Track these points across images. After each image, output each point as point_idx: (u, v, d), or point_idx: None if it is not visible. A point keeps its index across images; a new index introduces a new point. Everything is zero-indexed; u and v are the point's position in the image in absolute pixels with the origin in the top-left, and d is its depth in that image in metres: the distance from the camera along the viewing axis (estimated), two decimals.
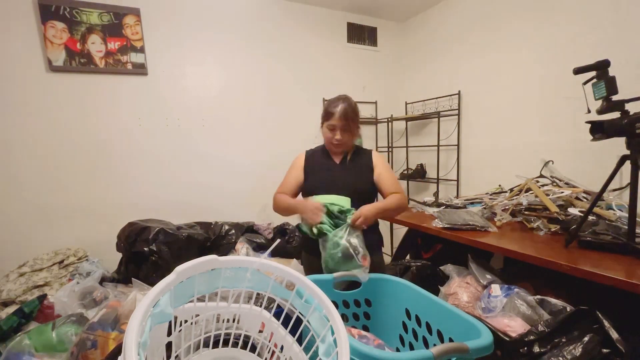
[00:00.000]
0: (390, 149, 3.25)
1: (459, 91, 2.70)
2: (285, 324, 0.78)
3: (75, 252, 2.05)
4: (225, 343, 0.79)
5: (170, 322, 0.65)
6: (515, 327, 1.13)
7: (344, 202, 1.24)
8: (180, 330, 0.69)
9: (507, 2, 2.32)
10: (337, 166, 1.42)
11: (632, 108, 1.18)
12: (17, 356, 1.14)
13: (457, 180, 2.79)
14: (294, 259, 2.12)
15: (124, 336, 0.48)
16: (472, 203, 2.09)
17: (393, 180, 1.39)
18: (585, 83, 1.27)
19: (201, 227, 2.21)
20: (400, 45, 3.32)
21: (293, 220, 2.48)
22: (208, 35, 2.50)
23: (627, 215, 1.23)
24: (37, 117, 2.06)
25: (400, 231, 2.35)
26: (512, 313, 1.20)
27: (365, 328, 1.14)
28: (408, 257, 2.16)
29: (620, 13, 1.75)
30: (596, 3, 1.84)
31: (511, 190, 2.00)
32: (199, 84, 2.51)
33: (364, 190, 1.37)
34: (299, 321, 0.75)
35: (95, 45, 2.16)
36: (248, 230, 2.37)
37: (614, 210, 1.48)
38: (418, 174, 3.04)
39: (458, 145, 2.76)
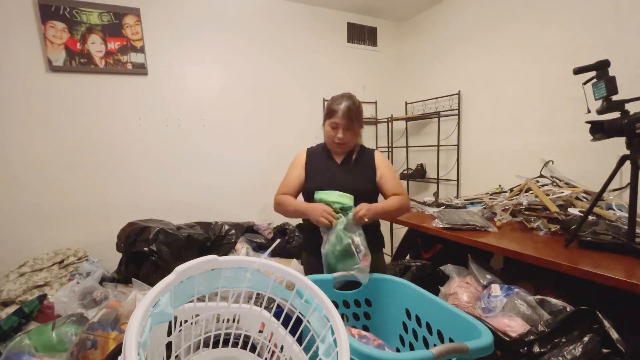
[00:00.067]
0: (390, 149, 3.25)
1: (459, 91, 2.70)
2: (285, 324, 0.78)
3: (75, 252, 2.05)
4: (225, 343, 0.79)
5: (170, 322, 0.65)
6: (515, 327, 1.13)
7: (346, 199, 1.23)
8: (180, 330, 0.69)
9: (507, 2, 2.32)
10: (338, 166, 1.39)
11: (632, 108, 1.18)
12: (17, 356, 1.14)
13: (457, 180, 2.79)
14: (294, 259, 2.12)
15: (124, 336, 0.48)
16: (472, 203, 2.09)
17: (396, 181, 1.37)
18: (585, 83, 1.27)
19: (201, 227, 2.21)
20: (400, 45, 3.32)
21: (293, 220, 2.48)
22: (208, 35, 2.50)
23: (627, 215, 1.23)
24: (37, 117, 2.06)
25: (400, 231, 2.35)
26: (512, 313, 1.20)
27: (365, 328, 1.14)
28: (408, 257, 2.16)
29: (620, 13, 1.75)
30: (596, 3, 1.84)
31: (511, 190, 2.00)
32: (199, 84, 2.51)
33: (365, 191, 1.33)
34: (299, 321, 0.75)
35: (95, 45, 2.16)
36: (248, 230, 2.37)
37: (614, 210, 1.48)
38: (418, 174, 3.04)
39: (458, 145, 2.76)
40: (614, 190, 1.67)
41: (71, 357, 1.05)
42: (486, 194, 2.20)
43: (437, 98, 2.88)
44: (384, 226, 3.00)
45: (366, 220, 1.16)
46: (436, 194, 2.82)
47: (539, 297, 1.25)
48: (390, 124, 3.18)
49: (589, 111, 1.26)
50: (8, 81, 1.98)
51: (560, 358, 0.97)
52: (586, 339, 0.99)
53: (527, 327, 1.12)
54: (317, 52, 2.92)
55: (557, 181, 1.86)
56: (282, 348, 0.78)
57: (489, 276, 1.47)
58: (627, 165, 1.18)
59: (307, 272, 1.44)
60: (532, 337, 1.05)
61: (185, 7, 2.41)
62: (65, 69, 2.09)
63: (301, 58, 2.86)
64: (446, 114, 2.79)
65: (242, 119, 2.67)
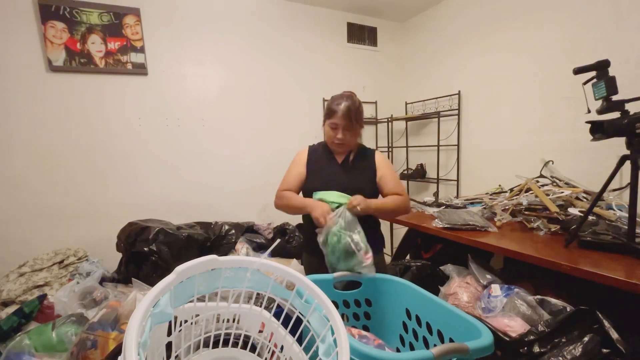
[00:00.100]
0: (390, 149, 3.25)
1: (459, 91, 2.70)
2: (285, 324, 0.78)
3: (75, 252, 2.05)
4: (225, 343, 0.79)
5: (170, 322, 0.65)
6: (515, 327, 1.13)
7: (345, 199, 1.22)
8: (180, 330, 0.69)
9: (507, 2, 2.32)
10: (338, 166, 1.39)
11: (632, 108, 1.18)
12: (17, 356, 1.14)
13: (457, 180, 2.79)
14: (294, 259, 2.12)
15: (124, 336, 0.48)
16: (472, 203, 2.09)
17: (396, 181, 1.37)
18: (585, 83, 1.27)
19: (201, 227, 2.21)
20: (400, 45, 3.32)
21: (293, 220, 2.48)
22: (208, 35, 2.50)
23: (627, 215, 1.23)
24: (37, 117, 2.06)
25: (400, 231, 2.35)
26: (512, 313, 1.20)
27: (365, 328, 1.14)
28: (408, 257, 2.16)
29: (620, 13, 1.75)
30: (596, 3, 1.84)
31: (511, 190, 2.00)
32: (199, 84, 2.51)
33: (365, 191, 1.31)
34: (299, 321, 0.75)
35: (95, 45, 2.16)
36: (248, 230, 2.37)
37: (614, 210, 1.48)
38: (418, 174, 3.04)
39: (458, 145, 2.76)
40: (614, 190, 1.67)
41: (71, 357, 1.05)
42: (486, 194, 2.20)
43: (437, 98, 2.88)
44: (384, 226, 2.99)
45: (359, 209, 1.15)
46: (436, 194, 2.82)
47: (539, 297, 1.25)
48: (390, 124, 3.18)
49: (589, 111, 1.26)
50: (8, 81, 1.99)
51: (560, 358, 0.97)
52: (586, 339, 0.99)
53: (527, 327, 1.12)
54: (317, 52, 2.92)
55: (557, 181, 1.86)
56: (282, 348, 0.78)
57: (489, 276, 1.47)
58: (627, 165, 1.18)
59: (308, 272, 1.44)
60: (532, 337, 1.05)
61: (185, 7, 2.41)
62: (65, 69, 2.09)
63: (301, 58, 2.86)
64: (446, 114, 2.79)
65: (242, 119, 2.67)
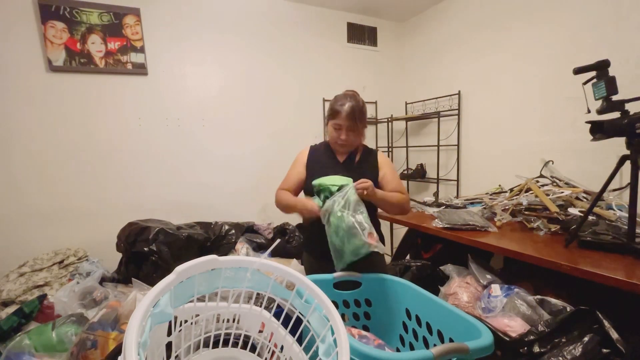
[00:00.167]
0: (390, 149, 3.25)
1: (459, 91, 2.70)
2: (285, 324, 0.78)
3: (75, 252, 2.05)
4: (225, 343, 0.79)
5: (170, 322, 0.65)
6: (515, 327, 1.13)
7: (344, 180, 1.21)
8: (180, 330, 0.69)
9: (507, 2, 2.32)
10: (340, 165, 1.39)
11: (632, 108, 1.18)
12: (17, 356, 1.14)
13: (457, 180, 2.79)
14: (294, 259, 2.12)
15: (124, 336, 0.48)
16: (472, 203, 2.09)
17: (398, 181, 1.37)
18: (585, 83, 1.27)
19: (201, 227, 2.21)
20: (400, 45, 3.32)
21: (293, 220, 2.48)
22: (208, 35, 2.50)
23: (627, 215, 1.23)
24: (37, 117, 2.06)
25: (400, 231, 2.35)
26: (512, 313, 1.20)
27: (365, 328, 1.14)
28: (408, 257, 2.16)
29: (620, 13, 1.75)
30: (596, 3, 1.84)
31: (511, 190, 2.00)
32: (199, 84, 2.51)
33: None
34: (299, 321, 0.75)
35: (95, 45, 2.16)
36: (248, 230, 2.37)
37: (614, 210, 1.48)
38: (418, 174, 3.04)
39: (458, 145, 2.76)
40: (614, 190, 1.67)
41: (71, 357, 1.05)
42: (486, 194, 2.20)
43: (437, 98, 2.88)
44: (384, 226, 3.00)
45: (365, 193, 1.15)
46: (436, 194, 2.82)
47: (539, 297, 1.25)
48: (390, 124, 3.18)
49: (589, 111, 1.26)
50: (8, 81, 1.98)
51: (560, 358, 0.97)
52: (586, 339, 0.99)
53: (527, 327, 1.12)
54: (317, 52, 2.92)
55: (557, 181, 1.86)
56: (282, 348, 0.78)
57: (489, 276, 1.47)
58: (627, 165, 1.18)
59: (308, 272, 1.44)
60: (532, 337, 1.05)
61: (185, 7, 2.41)
62: (65, 69, 2.09)
63: (301, 58, 2.86)
64: (446, 114, 2.79)
65: (241, 118, 2.67)
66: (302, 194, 1.42)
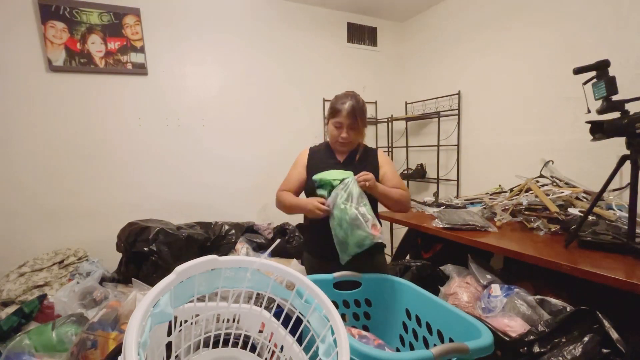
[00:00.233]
0: (390, 149, 3.25)
1: (459, 91, 2.70)
2: (285, 324, 0.78)
3: (75, 252, 2.05)
4: (225, 343, 0.79)
5: (170, 322, 0.65)
6: (515, 327, 1.13)
7: (346, 174, 1.21)
8: (180, 330, 0.69)
9: (507, 2, 2.32)
10: (340, 165, 1.39)
11: (632, 108, 1.18)
12: (17, 356, 1.14)
13: (457, 180, 2.79)
14: (294, 259, 2.12)
15: (124, 336, 0.48)
16: (472, 203, 2.09)
17: (398, 179, 1.37)
18: (585, 83, 1.27)
19: (201, 227, 2.21)
20: (400, 45, 3.32)
21: (293, 220, 2.48)
22: (208, 35, 2.50)
23: (627, 215, 1.23)
24: (37, 117, 2.06)
25: (400, 231, 2.35)
26: (512, 313, 1.20)
27: (365, 328, 1.14)
28: (408, 257, 2.16)
29: (620, 13, 1.75)
30: (596, 3, 1.84)
31: (511, 190, 2.00)
32: (199, 84, 2.51)
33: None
34: (299, 321, 0.75)
35: (95, 45, 2.16)
36: (248, 230, 2.36)
37: (614, 210, 1.48)
38: (418, 174, 3.04)
39: (458, 145, 2.76)
40: (614, 190, 1.67)
41: (71, 357, 1.05)
42: (486, 194, 2.20)
43: (437, 98, 2.88)
44: (384, 226, 3.00)
45: (367, 185, 1.16)
46: (436, 194, 2.82)
47: (539, 297, 1.25)
48: (390, 124, 3.18)
49: (589, 111, 1.26)
50: (8, 81, 1.98)
51: (560, 358, 0.97)
52: (586, 339, 0.99)
53: (527, 327, 1.12)
54: (317, 52, 2.92)
55: (557, 181, 1.86)
56: (282, 348, 0.78)
57: (489, 276, 1.47)
58: (627, 165, 1.18)
59: (308, 272, 1.44)
60: (532, 337, 1.05)
61: (185, 7, 2.41)
62: (65, 69, 2.09)
63: (301, 58, 2.86)
64: (446, 114, 2.79)
65: (242, 119, 2.67)
66: (302, 194, 1.42)
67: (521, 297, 1.25)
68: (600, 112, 1.22)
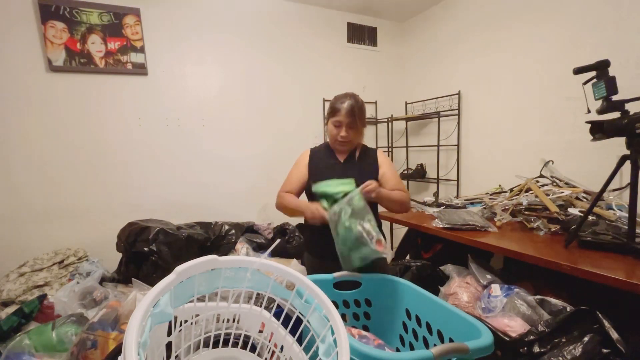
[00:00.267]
0: (390, 149, 3.25)
1: (459, 91, 2.70)
2: (285, 324, 0.78)
3: (75, 252, 2.05)
4: (225, 343, 0.79)
5: (170, 322, 0.65)
6: (515, 327, 1.13)
7: (348, 186, 1.17)
8: (180, 330, 0.69)
9: (507, 2, 2.32)
10: (340, 165, 1.39)
11: (632, 108, 1.18)
12: (17, 356, 1.14)
13: (457, 180, 2.79)
14: (294, 259, 2.12)
15: (124, 336, 0.48)
16: (472, 203, 2.09)
17: (398, 180, 1.37)
18: (585, 83, 1.27)
19: (201, 227, 2.21)
20: (400, 45, 3.32)
21: (293, 220, 2.48)
22: (208, 35, 2.50)
23: (627, 215, 1.23)
24: (36, 117, 2.06)
25: (400, 231, 2.35)
26: (512, 313, 1.20)
27: (365, 328, 1.14)
28: (408, 257, 2.17)
29: (620, 13, 1.75)
30: (596, 3, 1.84)
31: (511, 190, 2.00)
32: (199, 84, 2.51)
33: None
34: (299, 321, 0.75)
35: (95, 45, 2.16)
36: (248, 230, 2.37)
37: (614, 210, 1.49)
38: (418, 174, 3.04)
39: (458, 145, 2.76)
40: (614, 190, 1.67)
41: (71, 357, 1.05)
42: (486, 194, 2.20)
43: (437, 98, 2.88)
44: (384, 226, 3.00)
45: (373, 196, 1.14)
46: (436, 194, 2.82)
47: (539, 297, 1.25)
48: (390, 124, 3.18)
49: (589, 111, 1.26)
50: (8, 81, 1.98)
51: (560, 358, 0.97)
52: (586, 339, 0.99)
53: (527, 327, 1.12)
54: (317, 52, 2.92)
55: (557, 181, 1.86)
56: (282, 348, 0.78)
57: (489, 276, 1.47)
58: (627, 165, 1.18)
59: (309, 272, 1.44)
60: (532, 337, 1.05)
61: (185, 7, 2.41)
62: (65, 69, 2.09)
63: (301, 58, 2.86)
64: (446, 114, 2.79)
65: (242, 119, 2.67)
66: (303, 196, 1.42)
67: (521, 297, 1.25)
68: (600, 112, 1.22)
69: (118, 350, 0.97)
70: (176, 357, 0.68)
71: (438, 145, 2.80)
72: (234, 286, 0.74)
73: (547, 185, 1.86)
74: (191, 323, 0.72)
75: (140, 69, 2.29)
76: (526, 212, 1.69)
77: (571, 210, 1.55)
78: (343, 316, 1.15)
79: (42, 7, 2.00)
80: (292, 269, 0.75)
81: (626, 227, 1.23)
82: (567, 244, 1.31)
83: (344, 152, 1.41)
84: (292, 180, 1.40)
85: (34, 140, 2.07)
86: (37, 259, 1.92)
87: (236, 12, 2.59)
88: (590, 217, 1.42)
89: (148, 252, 1.80)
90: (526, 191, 1.81)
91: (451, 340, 0.86)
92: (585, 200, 1.65)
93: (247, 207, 2.69)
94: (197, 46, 2.47)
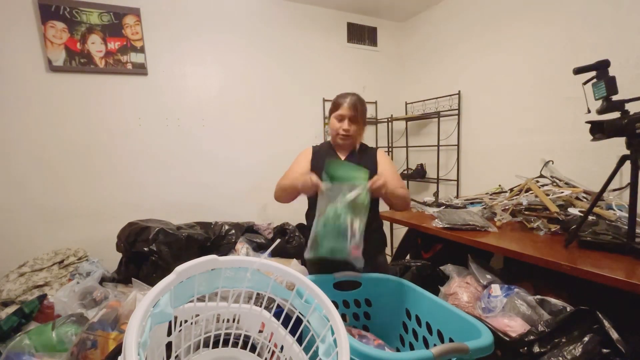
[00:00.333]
0: (390, 149, 3.25)
1: (459, 91, 2.70)
2: (285, 324, 0.78)
3: (75, 252, 2.05)
4: (225, 343, 0.79)
5: (170, 322, 0.65)
6: (515, 327, 1.13)
7: (363, 173, 1.08)
8: (180, 330, 0.69)
9: (507, 2, 2.32)
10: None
11: (632, 108, 1.18)
12: (17, 356, 1.14)
13: (457, 180, 2.79)
14: (294, 259, 2.12)
15: (124, 336, 0.48)
16: (472, 203, 2.09)
17: (398, 178, 1.38)
18: (585, 83, 1.27)
19: (201, 227, 2.21)
20: (400, 45, 3.32)
21: (293, 220, 2.48)
22: (208, 35, 2.50)
23: (627, 215, 1.23)
24: (36, 117, 2.06)
25: (400, 231, 2.35)
26: (512, 313, 1.20)
27: (365, 328, 1.14)
28: (408, 257, 2.17)
29: (620, 13, 1.75)
30: (596, 3, 1.84)
31: (511, 190, 2.00)
32: (199, 84, 2.51)
33: None
34: (299, 321, 0.75)
35: (95, 45, 2.16)
36: (248, 230, 2.36)
37: (614, 210, 1.48)
38: (418, 174, 3.04)
39: (458, 145, 2.76)
40: (614, 190, 1.67)
41: (71, 357, 1.05)
42: (486, 194, 2.20)
43: (437, 98, 2.88)
44: (385, 226, 3.00)
45: (383, 192, 1.09)
46: (436, 194, 2.81)
47: (539, 297, 1.25)
48: (390, 124, 3.18)
49: (589, 111, 1.26)
50: (8, 81, 1.98)
51: (560, 358, 0.97)
52: (586, 339, 0.99)
53: (527, 327, 1.12)
54: (317, 52, 2.92)
55: (557, 181, 1.86)
56: (282, 348, 0.78)
57: (489, 276, 1.47)
58: (627, 165, 1.18)
59: (309, 272, 1.44)
60: (532, 337, 1.05)
61: (185, 7, 2.41)
62: (65, 69, 2.09)
63: (301, 58, 2.86)
64: (446, 114, 2.79)
65: (242, 119, 2.67)
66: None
67: (521, 297, 1.25)
68: (600, 112, 1.22)
69: (118, 350, 0.97)
70: (176, 357, 0.68)
71: (438, 145, 2.80)
72: (234, 286, 0.74)
73: (547, 185, 1.86)
74: (191, 323, 0.72)
75: (140, 69, 2.29)
76: (526, 212, 1.69)
77: (571, 210, 1.55)
78: (343, 316, 1.15)
79: (42, 7, 2.00)
80: (292, 269, 0.75)
81: (626, 227, 1.23)
82: (567, 244, 1.31)
83: (345, 148, 1.41)
84: (293, 172, 1.38)
85: (34, 140, 2.07)
86: (37, 259, 1.92)
87: (236, 12, 2.59)
88: (590, 217, 1.42)
89: (148, 252, 1.80)
90: (526, 191, 1.81)
91: (451, 340, 0.86)
92: (585, 200, 1.65)
93: (247, 207, 2.69)
94: (197, 46, 2.47)
